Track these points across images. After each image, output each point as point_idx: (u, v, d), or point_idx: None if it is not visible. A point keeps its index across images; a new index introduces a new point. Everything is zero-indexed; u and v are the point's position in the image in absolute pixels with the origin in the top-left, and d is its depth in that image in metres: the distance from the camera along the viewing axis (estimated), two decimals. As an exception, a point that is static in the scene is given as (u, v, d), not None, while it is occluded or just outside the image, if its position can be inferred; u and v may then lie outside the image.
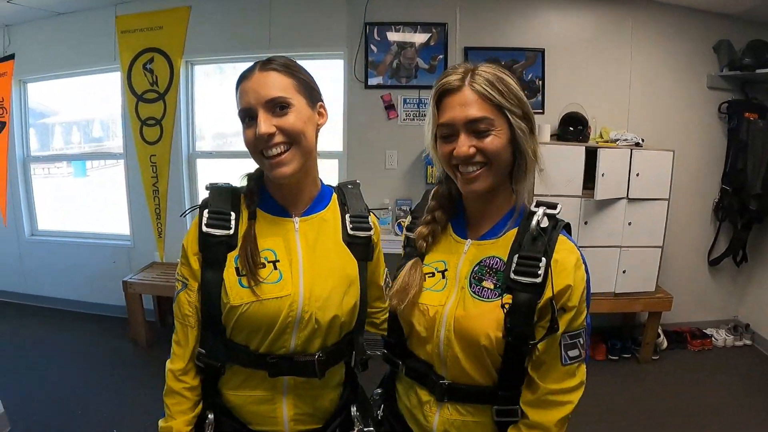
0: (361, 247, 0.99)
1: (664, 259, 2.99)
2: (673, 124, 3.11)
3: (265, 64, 0.89)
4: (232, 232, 0.90)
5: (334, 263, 0.95)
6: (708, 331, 3.24)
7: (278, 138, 0.86)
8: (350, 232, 0.98)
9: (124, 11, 3.23)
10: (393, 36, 2.97)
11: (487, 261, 0.87)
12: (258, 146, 0.87)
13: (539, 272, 0.81)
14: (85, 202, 4.01)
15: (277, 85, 0.87)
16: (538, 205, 0.86)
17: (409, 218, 1.03)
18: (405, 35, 2.97)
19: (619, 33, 3.04)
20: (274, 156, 0.87)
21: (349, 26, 2.99)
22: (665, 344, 3.12)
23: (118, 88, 3.32)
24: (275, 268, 0.90)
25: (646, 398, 2.60)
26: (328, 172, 3.11)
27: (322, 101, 0.96)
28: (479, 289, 0.86)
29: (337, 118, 3.09)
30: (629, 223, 2.84)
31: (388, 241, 2.87)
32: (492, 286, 0.85)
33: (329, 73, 3.11)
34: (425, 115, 2.90)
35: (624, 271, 2.88)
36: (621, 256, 2.87)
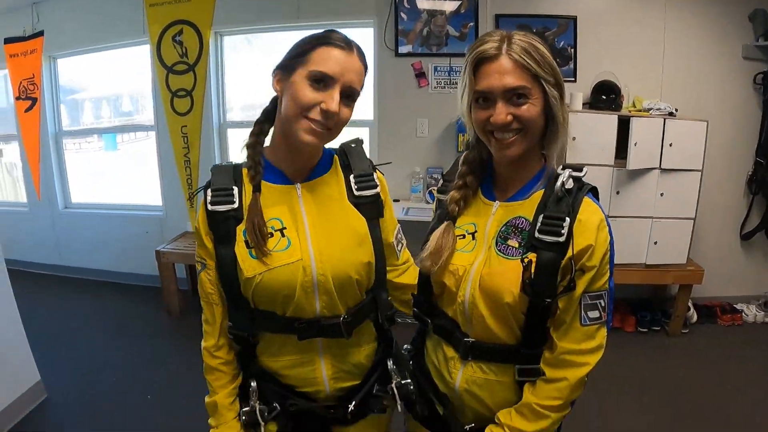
0: (370, 206, 0.99)
1: (696, 232, 2.95)
2: (707, 94, 3.04)
3: (359, 51, 0.90)
4: (236, 205, 0.92)
5: (341, 224, 0.96)
6: (738, 307, 3.19)
7: (331, 121, 0.87)
8: (356, 192, 0.98)
9: (152, -16, 3.25)
10: (423, 4, 2.94)
11: (514, 221, 0.90)
12: (311, 111, 0.86)
13: (563, 231, 0.83)
14: (116, 175, 4.08)
15: (359, 76, 0.89)
16: (564, 168, 0.88)
17: (441, 181, 1.05)
18: (435, 3, 2.93)
19: (653, 1, 2.97)
20: (318, 127, 0.87)
21: (378, -6, 2.98)
22: (695, 318, 3.08)
23: (148, 61, 3.35)
24: (283, 235, 0.92)
25: (674, 371, 2.59)
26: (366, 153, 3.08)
27: None
28: (504, 247, 0.89)
29: (368, 87, 3.04)
30: (661, 194, 2.80)
31: (419, 209, 2.90)
32: (517, 245, 0.88)
33: (359, 42, 3.06)
34: (456, 83, 2.87)
35: (655, 243, 2.85)
36: (653, 227, 2.83)
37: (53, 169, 3.78)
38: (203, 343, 1.00)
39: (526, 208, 0.89)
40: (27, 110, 3.82)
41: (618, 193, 2.78)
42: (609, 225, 0.87)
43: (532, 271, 0.83)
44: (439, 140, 3.08)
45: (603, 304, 0.87)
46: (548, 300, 0.84)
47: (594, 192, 0.90)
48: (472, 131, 0.92)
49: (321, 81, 0.85)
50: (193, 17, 3.16)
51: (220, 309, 0.98)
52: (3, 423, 2.07)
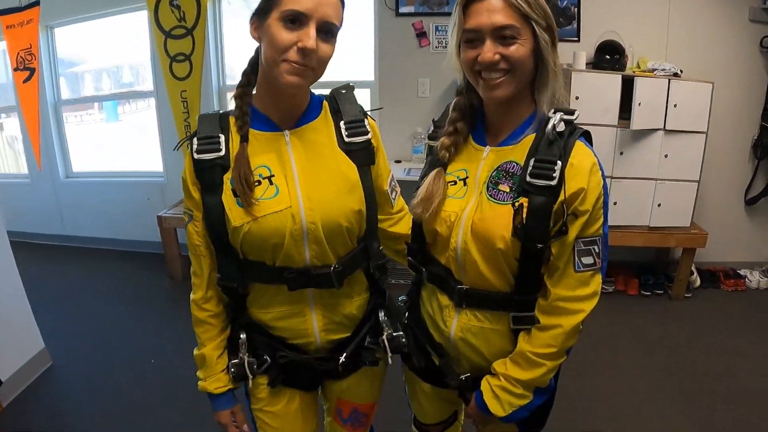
0: (361, 152, 0.96)
1: (700, 195, 2.92)
2: (712, 56, 2.99)
3: None
4: (223, 153, 0.90)
5: (331, 170, 0.93)
6: (742, 272, 3.18)
7: (311, 59, 0.83)
8: (346, 139, 0.95)
9: (148, -52, 3.20)
10: (424, -38, 2.90)
11: (505, 165, 0.89)
12: (288, 52, 0.81)
13: (554, 175, 0.82)
14: (118, 144, 4.08)
15: (336, 10, 0.84)
16: (556, 111, 0.86)
17: (431, 127, 1.02)
18: (436, -39, 2.89)
19: (659, -43, 2.92)
20: (297, 68, 0.83)
21: (378, -47, 2.93)
22: (698, 282, 3.08)
23: (146, 28, 3.31)
24: (271, 183, 0.90)
25: (676, 335, 2.60)
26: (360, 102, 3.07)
27: None
28: (495, 192, 0.88)
29: (368, 47, 3.05)
30: (665, 156, 2.78)
31: (421, 169, 2.88)
32: (508, 189, 0.86)
33: (359, 2, 3.04)
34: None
35: (659, 205, 2.83)
36: (656, 189, 2.82)
37: (53, 139, 3.76)
38: (192, 296, 0.99)
39: (518, 152, 0.88)
40: (25, 81, 3.79)
41: (621, 153, 2.76)
42: (602, 169, 0.86)
43: (524, 215, 0.82)
44: (440, 100, 3.05)
45: (597, 250, 0.86)
46: (540, 245, 0.83)
47: (587, 136, 0.89)
48: (461, 74, 0.91)
49: (295, 20, 0.81)
50: (190, -20, 3.11)
51: (207, 261, 0.96)
52: (9, 390, 2.09)
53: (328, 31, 0.84)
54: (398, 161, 3.03)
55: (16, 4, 3.64)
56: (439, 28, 2.96)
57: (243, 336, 0.99)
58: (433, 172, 0.94)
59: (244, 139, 0.90)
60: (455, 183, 0.93)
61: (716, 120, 2.85)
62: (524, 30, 0.82)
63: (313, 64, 0.83)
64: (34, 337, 2.29)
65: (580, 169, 0.83)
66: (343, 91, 1.00)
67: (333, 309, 0.99)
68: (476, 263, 0.88)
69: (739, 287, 3.12)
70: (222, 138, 0.90)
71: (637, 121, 2.69)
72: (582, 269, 0.85)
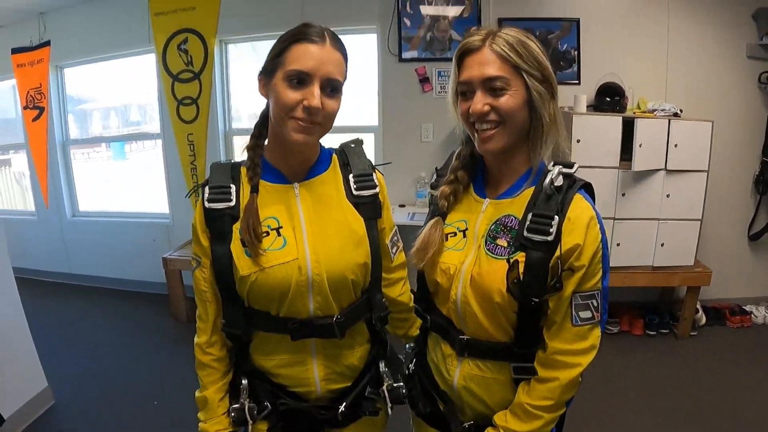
0: (369, 206, 0.99)
1: (703, 233, 2.93)
2: (712, 94, 3.03)
3: (334, 41, 0.89)
4: (233, 203, 0.92)
5: (339, 223, 0.96)
6: (747, 308, 3.16)
7: (317, 116, 0.86)
8: (355, 192, 0.98)
9: (157, -7, 3.28)
10: (426, 9, 2.96)
11: (503, 219, 0.89)
12: (294, 110, 0.86)
13: (551, 230, 0.82)
14: (124, 183, 4.13)
15: (340, 68, 0.88)
16: (554, 164, 0.87)
17: (434, 175, 1.04)
18: (438, 8, 2.95)
19: (656, 1, 2.96)
20: (304, 126, 0.87)
21: (381, 1, 2.99)
22: (704, 320, 3.06)
23: (154, 70, 3.38)
24: (279, 234, 0.92)
25: (683, 374, 2.57)
26: (364, 147, 3.10)
27: None
28: (493, 246, 0.88)
29: (372, 93, 3.10)
30: (667, 195, 2.79)
31: (424, 214, 2.88)
32: (505, 244, 0.87)
33: (363, 48, 3.11)
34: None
35: (662, 244, 2.83)
36: (659, 228, 2.82)
37: (61, 177, 3.82)
38: (196, 339, 1.01)
39: (516, 206, 0.88)
40: (35, 119, 3.87)
41: (624, 195, 2.77)
42: (601, 223, 0.86)
43: (520, 271, 0.82)
44: (443, 145, 3.08)
45: (595, 304, 0.85)
46: (536, 300, 0.83)
47: (588, 188, 0.89)
48: (460, 123, 0.93)
49: (299, 80, 0.85)
50: (197, 26, 3.18)
51: (213, 306, 0.98)
52: (11, 428, 2.08)
53: (333, 88, 0.88)
54: (402, 206, 3.05)
55: (28, 43, 3.75)
56: (442, 73, 3.02)
57: (245, 382, 1.00)
58: (431, 222, 0.95)
59: (254, 190, 0.92)
60: (455, 234, 0.94)
61: (717, 157, 2.87)
62: (515, 81, 0.84)
63: (320, 120, 0.87)
64: (37, 375, 2.30)
65: (577, 224, 0.83)
66: (353, 146, 1.03)
67: (335, 359, 0.99)
68: (476, 315, 0.89)
69: (745, 323, 3.10)
70: (233, 188, 0.93)
71: (639, 162, 2.71)
72: (579, 323, 0.85)
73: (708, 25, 2.99)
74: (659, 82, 3.01)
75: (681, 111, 2.81)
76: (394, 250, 1.08)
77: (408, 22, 2.97)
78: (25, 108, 3.86)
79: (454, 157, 0.98)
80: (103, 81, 3.87)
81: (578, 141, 2.68)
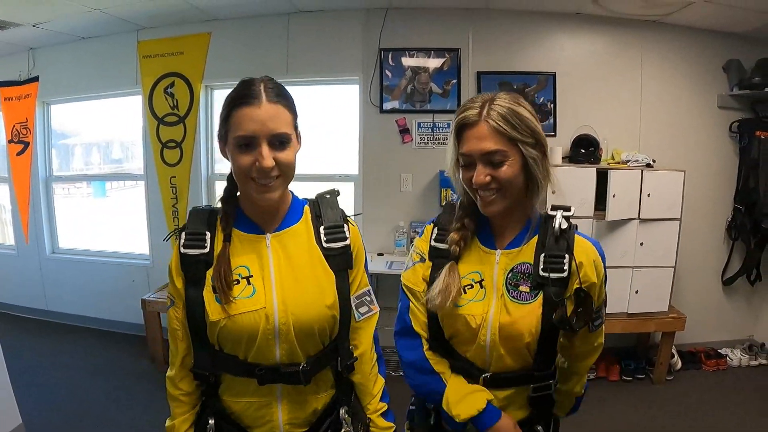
0: (338, 258, 1.01)
1: (677, 279, 3.00)
2: (684, 143, 3.13)
3: (274, 95, 0.91)
4: (207, 250, 0.96)
5: (307, 275, 0.98)
6: (723, 351, 3.22)
7: (275, 171, 0.91)
8: (325, 245, 1.00)
9: (146, 36, 3.34)
10: (407, 61, 3.04)
11: (519, 267, 0.99)
12: (251, 173, 0.91)
13: (565, 267, 0.95)
14: (104, 221, 4.10)
15: (283, 120, 0.91)
16: (554, 209, 1.00)
17: (435, 231, 1.07)
18: (419, 60, 3.03)
19: (629, 55, 3.08)
20: (266, 184, 0.92)
21: (364, 52, 3.07)
22: (679, 365, 3.10)
23: (139, 111, 3.42)
24: (249, 283, 0.96)
25: (660, 419, 2.59)
26: (344, 195, 3.13)
27: (298, 128, 0.99)
28: (517, 293, 0.98)
29: (352, 142, 3.15)
30: (641, 244, 2.86)
31: (403, 263, 2.91)
32: (528, 290, 0.97)
33: (345, 98, 3.17)
34: (439, 139, 2.94)
35: (637, 291, 2.89)
36: (633, 276, 2.88)
37: (42, 213, 3.79)
38: (168, 372, 1.03)
39: (526, 253, 0.99)
40: (19, 154, 3.87)
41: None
42: (601, 252, 1.02)
43: (568, 311, 0.95)
44: (422, 195, 3.13)
45: (602, 312, 1.05)
46: (576, 330, 0.96)
47: (576, 227, 1.03)
48: (459, 185, 1.02)
49: (246, 143, 0.89)
50: (184, 70, 3.25)
51: (183, 345, 1.00)
52: None
53: (282, 142, 0.91)
54: (380, 254, 3.07)
55: (16, 77, 3.76)
56: (422, 125, 3.08)
57: (211, 422, 1.01)
58: (447, 266, 1.01)
59: (227, 239, 0.96)
60: (471, 286, 1.01)
61: (690, 205, 2.96)
62: (512, 152, 0.93)
63: (276, 173, 0.91)
64: (11, 412, 2.24)
65: (587, 266, 0.98)
66: (327, 196, 1.06)
67: (300, 405, 1.01)
68: (502, 356, 0.99)
69: (720, 366, 3.15)
70: (208, 235, 0.97)
71: (612, 212, 2.78)
72: (594, 329, 1.03)
73: (680, 77, 3.12)
74: (633, 133, 3.11)
75: (654, 161, 2.90)
76: (361, 310, 1.05)
77: (389, 74, 3.05)
78: (9, 142, 3.86)
79: (457, 207, 1.05)
80: (87, 118, 3.88)
81: (553, 192, 2.74)
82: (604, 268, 1.02)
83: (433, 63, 3.04)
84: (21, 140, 3.84)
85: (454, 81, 3.03)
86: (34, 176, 3.75)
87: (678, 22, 3.02)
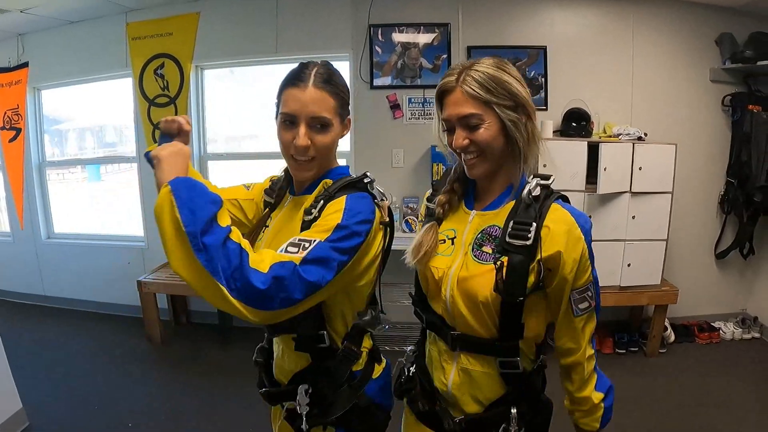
0: (305, 226, 0.97)
1: (671, 253, 3.01)
2: (676, 117, 3.12)
3: (321, 81, 0.96)
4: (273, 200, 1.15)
5: (283, 233, 1.02)
6: (716, 325, 3.24)
7: (311, 151, 0.98)
8: (303, 217, 0.98)
9: (134, 18, 3.32)
10: (397, 37, 3.02)
11: (488, 229, 0.99)
12: (290, 150, 0.99)
13: (529, 236, 0.92)
14: (100, 205, 4.10)
15: (324, 105, 0.97)
16: (533, 177, 0.98)
17: (429, 191, 1.12)
18: (409, 36, 3.01)
19: (621, 28, 3.06)
20: (301, 162, 1.00)
21: (353, 28, 3.05)
22: (672, 337, 3.12)
23: (130, 94, 3.41)
24: (262, 231, 1.11)
25: (653, 391, 2.62)
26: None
27: (349, 115, 1.06)
28: (479, 253, 0.98)
29: (345, 119, 3.12)
30: (633, 217, 2.86)
31: (396, 238, 2.93)
32: (490, 251, 0.97)
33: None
34: (430, 114, 2.97)
35: (629, 265, 2.90)
36: (626, 249, 2.89)
37: (36, 199, 3.80)
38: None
39: (499, 217, 0.98)
40: (11, 140, 3.86)
41: (590, 217, 2.83)
42: (583, 224, 0.95)
43: (504, 272, 0.91)
44: (414, 170, 3.14)
45: (590, 294, 0.98)
46: (520, 298, 0.93)
47: (565, 199, 0.99)
48: (447, 151, 1.03)
49: (289, 120, 0.97)
50: (174, 51, 3.23)
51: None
52: None
53: (321, 125, 0.97)
54: (373, 229, 3.08)
55: (6, 63, 3.75)
56: (412, 100, 3.08)
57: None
58: (428, 225, 1.04)
59: (272, 205, 1.14)
60: (444, 242, 1.04)
61: (682, 179, 2.97)
62: (487, 115, 0.94)
63: (312, 154, 0.98)
64: (11, 397, 2.27)
65: (557, 232, 0.92)
66: (350, 176, 1.04)
67: (284, 356, 1.11)
68: (463, 314, 0.98)
69: (713, 339, 3.17)
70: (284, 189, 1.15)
71: (604, 186, 2.78)
72: (580, 313, 0.97)
73: (672, 51, 3.10)
74: (624, 106, 3.10)
75: (646, 135, 2.90)
76: (288, 248, 0.88)
77: (380, 50, 3.03)
78: (1, 129, 3.85)
79: (451, 171, 1.07)
80: (79, 102, 3.86)
81: (544, 165, 2.73)
82: (588, 243, 0.95)
83: (423, 38, 3.02)
84: (13, 127, 3.83)
85: (445, 56, 3.01)
86: (27, 162, 3.75)
87: (670, -5, 3.00)
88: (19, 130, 3.82)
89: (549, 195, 0.96)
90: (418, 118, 3.08)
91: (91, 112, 3.90)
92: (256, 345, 1.20)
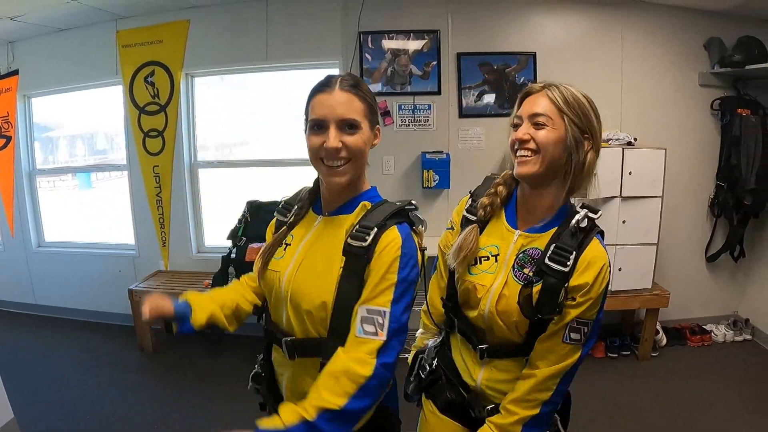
0: (355, 257, 0.96)
1: (662, 257, 3.02)
2: (666, 122, 3.14)
3: (348, 85, 0.99)
4: (290, 219, 1.12)
5: (322, 258, 1.01)
6: (707, 327, 3.26)
7: (343, 153, 0.98)
8: (348, 240, 0.97)
9: (124, 26, 3.31)
10: (387, 44, 3.02)
11: (530, 251, 1.05)
12: (320, 154, 0.99)
13: (568, 263, 0.98)
14: (91, 213, 4.09)
15: (353, 107, 0.99)
16: (582, 206, 1.05)
17: (469, 202, 1.17)
18: (398, 42, 3.02)
19: (610, 34, 3.08)
20: (334, 167, 0.99)
21: (343, 35, 3.05)
22: (664, 341, 3.14)
23: (121, 101, 3.40)
24: (285, 249, 1.07)
25: (645, 395, 2.63)
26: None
27: (379, 125, 1.08)
28: (520, 274, 1.04)
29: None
30: (623, 222, 2.88)
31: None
32: (530, 273, 1.03)
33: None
34: (420, 121, 2.95)
35: (620, 269, 2.91)
36: (617, 253, 2.89)
37: (27, 207, 3.78)
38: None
39: (541, 240, 1.04)
40: (1, 148, 3.84)
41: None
42: (611, 267, 1.03)
43: (534, 292, 0.99)
44: (404, 177, 3.13)
45: (586, 331, 1.02)
46: (538, 317, 1.00)
47: (602, 234, 1.06)
48: (508, 149, 1.09)
49: (318, 126, 0.98)
50: (164, 58, 3.22)
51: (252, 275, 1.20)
52: None
53: (351, 126, 0.98)
54: (365, 236, 3.08)
55: (-5, 72, 3.73)
56: (402, 107, 3.07)
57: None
58: (469, 227, 1.10)
59: (299, 217, 1.11)
60: (488, 258, 1.09)
61: (673, 183, 2.98)
62: (557, 121, 1.00)
63: (345, 155, 0.98)
64: (2, 407, 2.22)
65: (592, 267, 0.99)
66: (397, 203, 1.02)
67: (299, 380, 1.05)
68: (498, 325, 1.06)
69: (705, 342, 3.19)
70: (296, 207, 1.13)
71: (594, 191, 2.78)
72: (568, 342, 1.01)
73: (661, 56, 3.12)
74: (614, 112, 3.11)
75: (635, 140, 2.91)
76: (366, 328, 0.94)
77: (369, 57, 3.03)
78: (-9, 137, 3.83)
79: (501, 176, 1.14)
80: (70, 109, 3.85)
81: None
82: (607, 284, 1.01)
83: (413, 45, 3.02)
84: (3, 135, 3.81)
85: (434, 63, 3.02)
86: (18, 170, 3.73)
87: (658, 1, 3.01)
88: (9, 138, 3.80)
89: (592, 228, 1.02)
90: (408, 125, 3.08)
91: (82, 119, 3.89)
92: (247, 353, 1.21)
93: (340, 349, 0.94)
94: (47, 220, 3.90)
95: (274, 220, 1.17)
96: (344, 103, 0.97)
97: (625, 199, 2.85)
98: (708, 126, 3.19)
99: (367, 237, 0.96)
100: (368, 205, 1.03)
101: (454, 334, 1.19)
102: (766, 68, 2.88)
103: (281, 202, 1.17)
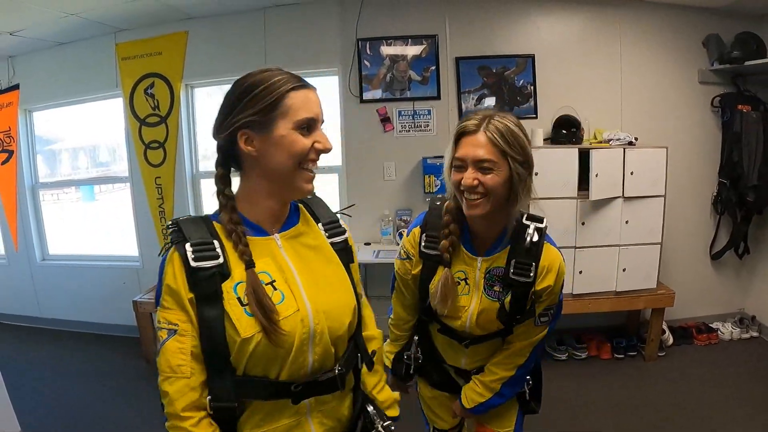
0: (343, 252, 1.01)
1: (667, 256, 3.01)
2: (666, 120, 3.13)
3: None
4: (221, 260, 0.84)
5: (328, 271, 0.95)
6: (714, 325, 3.24)
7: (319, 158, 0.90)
8: (328, 240, 0.99)
9: (123, 38, 3.33)
10: (385, 50, 3.03)
11: (495, 270, 1.18)
12: (308, 156, 0.86)
13: (531, 274, 1.13)
14: (94, 225, 4.10)
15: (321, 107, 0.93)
16: (528, 218, 1.14)
17: (424, 237, 1.21)
18: (397, 48, 3.03)
19: (608, 34, 3.08)
20: (312, 173, 0.88)
21: (341, 43, 3.06)
22: (671, 340, 3.12)
23: (122, 114, 3.41)
24: (275, 289, 0.87)
25: (653, 395, 2.62)
26: (328, 186, 3.14)
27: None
28: (492, 292, 1.18)
29: (335, 133, 3.14)
30: (626, 222, 2.87)
31: (389, 251, 2.94)
32: (499, 289, 1.17)
33: (324, 90, 3.13)
34: (420, 126, 2.98)
35: (624, 270, 2.90)
36: (620, 254, 2.89)
37: (30, 220, 3.79)
38: (170, 423, 0.84)
39: (501, 259, 1.16)
40: (3, 163, 3.85)
41: (583, 224, 2.84)
42: (563, 260, 1.18)
43: (506, 307, 1.16)
44: (406, 182, 3.14)
45: (552, 312, 1.22)
46: (517, 318, 1.18)
47: (547, 232, 1.16)
48: (450, 189, 1.15)
49: (309, 126, 0.86)
50: (164, 70, 3.23)
51: (194, 381, 0.83)
52: None
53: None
54: (367, 243, 3.08)
55: (-4, 86, 3.74)
56: (402, 112, 3.09)
57: None
58: (444, 276, 1.16)
59: (250, 264, 0.85)
60: (459, 283, 1.20)
61: (675, 182, 2.97)
62: (501, 163, 1.05)
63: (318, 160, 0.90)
64: (9, 420, 2.26)
65: (551, 270, 1.15)
66: (310, 197, 1.02)
67: (328, 414, 0.95)
68: (478, 330, 1.23)
69: (712, 341, 3.17)
70: (216, 243, 0.85)
71: (596, 192, 2.78)
72: (539, 324, 1.22)
73: (660, 54, 3.11)
74: (614, 112, 3.11)
75: (636, 139, 2.90)
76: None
77: (368, 64, 3.04)
78: (-6, 151, 3.85)
79: (443, 213, 1.18)
80: (71, 123, 3.87)
81: (536, 173, 2.74)
82: (563, 276, 1.19)
83: (411, 50, 3.03)
84: (5, 149, 3.81)
85: (433, 67, 3.03)
86: (21, 184, 3.73)
87: (655, -1, 3.02)
88: (11, 153, 3.80)
89: (540, 235, 1.12)
90: (409, 131, 3.09)
91: (84, 132, 3.90)
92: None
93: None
94: (51, 234, 3.91)
95: (182, 277, 0.83)
96: (319, 103, 0.89)
97: (627, 199, 2.84)
98: (709, 123, 3.18)
99: (341, 230, 1.02)
100: (301, 206, 1.00)
101: (433, 324, 1.30)
102: (765, 64, 2.88)
103: (180, 246, 0.84)
